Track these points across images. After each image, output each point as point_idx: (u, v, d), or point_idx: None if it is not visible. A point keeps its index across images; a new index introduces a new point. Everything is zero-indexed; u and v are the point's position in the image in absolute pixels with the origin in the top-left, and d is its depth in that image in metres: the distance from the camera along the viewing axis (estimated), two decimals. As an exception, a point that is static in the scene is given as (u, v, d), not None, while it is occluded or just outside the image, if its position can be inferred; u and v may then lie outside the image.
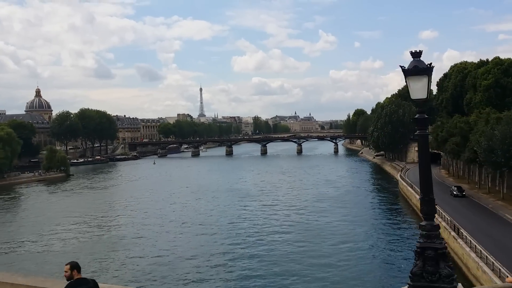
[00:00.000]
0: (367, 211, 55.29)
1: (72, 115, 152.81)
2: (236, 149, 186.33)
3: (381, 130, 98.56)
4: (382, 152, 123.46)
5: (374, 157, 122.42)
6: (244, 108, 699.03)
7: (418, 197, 49.20)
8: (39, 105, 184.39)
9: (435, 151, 75.02)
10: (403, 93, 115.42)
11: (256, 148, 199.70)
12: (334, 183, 79.45)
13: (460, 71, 74.81)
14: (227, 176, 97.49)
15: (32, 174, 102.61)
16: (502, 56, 69.43)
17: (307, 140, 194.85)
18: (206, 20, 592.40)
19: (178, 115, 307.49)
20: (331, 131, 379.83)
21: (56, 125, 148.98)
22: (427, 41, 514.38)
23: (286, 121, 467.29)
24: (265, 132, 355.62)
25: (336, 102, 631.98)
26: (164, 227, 49.73)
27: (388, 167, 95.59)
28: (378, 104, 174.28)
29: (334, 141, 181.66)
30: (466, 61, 78.99)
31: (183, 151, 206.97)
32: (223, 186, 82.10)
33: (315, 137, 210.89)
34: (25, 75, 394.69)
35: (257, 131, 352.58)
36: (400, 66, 6.81)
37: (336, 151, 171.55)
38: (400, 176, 69.12)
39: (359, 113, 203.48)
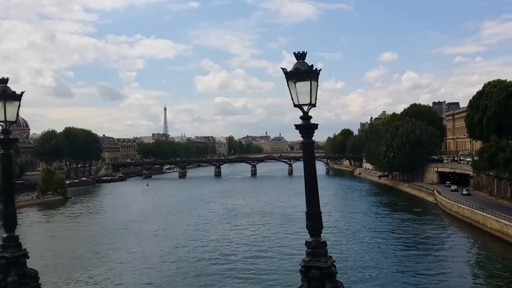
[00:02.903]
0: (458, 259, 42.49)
1: (56, 134, 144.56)
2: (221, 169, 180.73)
3: (397, 150, 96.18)
4: (385, 173, 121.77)
5: (379, 178, 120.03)
6: (207, 128, 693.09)
7: (501, 221, 46.48)
8: (17, 124, 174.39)
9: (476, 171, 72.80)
10: (411, 112, 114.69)
11: (242, 168, 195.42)
12: (375, 216, 67.67)
13: (503, 88, 73.37)
14: (251, 198, 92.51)
15: (30, 197, 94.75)
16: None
17: (298, 160, 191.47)
18: (170, 39, 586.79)
19: (153, 134, 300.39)
20: (300, 152, 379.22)
21: (40, 144, 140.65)
22: (387, 63, 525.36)
23: (258, 141, 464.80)
24: (239, 152, 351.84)
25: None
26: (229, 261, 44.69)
27: (408, 189, 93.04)
28: (371, 125, 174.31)
29: (325, 161, 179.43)
30: (506, 79, 77.83)
31: (165, 172, 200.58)
32: (261, 208, 77.09)
33: (299, 157, 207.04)
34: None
35: (232, 151, 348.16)
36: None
37: (328, 172, 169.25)
38: (452, 199, 65.17)
39: (346, 133, 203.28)
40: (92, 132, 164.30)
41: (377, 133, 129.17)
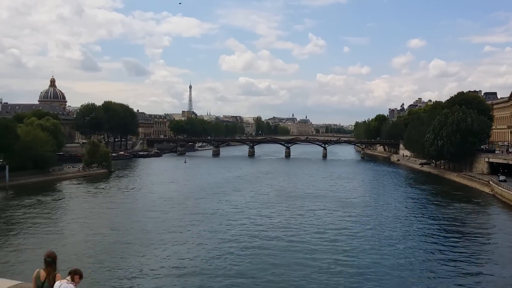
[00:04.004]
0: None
1: (96, 107, 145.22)
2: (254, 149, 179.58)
3: (447, 139, 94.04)
4: (427, 161, 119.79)
5: (422, 166, 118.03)
6: (230, 107, 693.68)
7: None
8: (54, 96, 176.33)
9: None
10: (459, 100, 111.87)
11: (273, 149, 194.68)
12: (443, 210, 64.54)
13: None
14: (296, 180, 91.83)
15: (77, 169, 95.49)
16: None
17: (332, 143, 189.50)
18: (196, 17, 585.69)
19: (183, 112, 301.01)
20: (329, 135, 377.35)
21: (80, 117, 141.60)
22: (414, 50, 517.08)
23: (284, 122, 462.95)
24: (266, 133, 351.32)
25: (322, 106, 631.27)
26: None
27: (457, 178, 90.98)
28: (411, 111, 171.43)
29: (357, 146, 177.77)
30: None
31: (197, 150, 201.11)
32: (311, 191, 76.27)
33: (333, 141, 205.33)
34: (9, 63, 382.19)
35: (259, 132, 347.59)
36: None
37: (363, 157, 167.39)
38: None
39: (381, 118, 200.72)
40: (130, 107, 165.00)
41: (419, 120, 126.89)
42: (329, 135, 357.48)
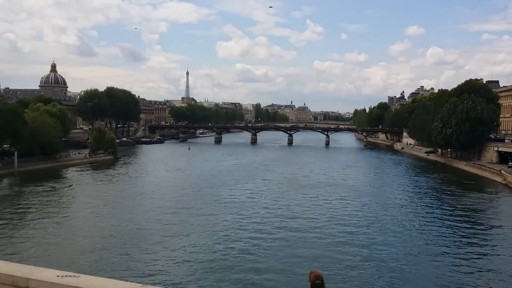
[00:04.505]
0: None
1: (98, 93, 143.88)
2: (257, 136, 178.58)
3: (456, 127, 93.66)
4: (433, 149, 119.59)
5: (428, 154, 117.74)
6: (227, 94, 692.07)
7: None
8: (55, 81, 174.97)
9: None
10: (466, 88, 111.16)
11: (275, 136, 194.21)
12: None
13: None
14: (305, 168, 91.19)
15: (83, 156, 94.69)
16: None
17: (334, 131, 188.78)
18: (193, 3, 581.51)
19: (183, 98, 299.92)
20: (329, 122, 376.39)
21: (83, 103, 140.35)
22: (412, 37, 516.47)
23: (283, 109, 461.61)
24: (265, 120, 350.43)
25: (319, 93, 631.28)
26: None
27: (466, 167, 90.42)
28: (415, 99, 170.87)
29: (364, 134, 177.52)
30: None
31: (198, 136, 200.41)
32: (323, 180, 75.82)
33: (336, 128, 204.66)
34: (5, 48, 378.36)
35: (259, 119, 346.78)
36: None
37: (366, 145, 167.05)
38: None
39: (383, 106, 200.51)
40: (132, 93, 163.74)
41: (424, 108, 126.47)
42: (329, 123, 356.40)
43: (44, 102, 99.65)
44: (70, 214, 47.71)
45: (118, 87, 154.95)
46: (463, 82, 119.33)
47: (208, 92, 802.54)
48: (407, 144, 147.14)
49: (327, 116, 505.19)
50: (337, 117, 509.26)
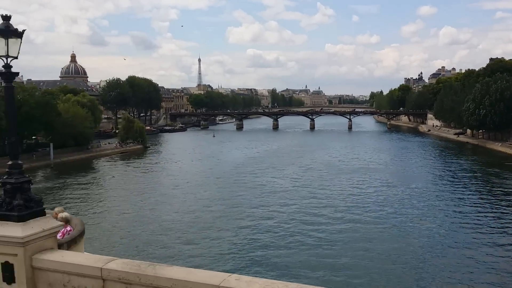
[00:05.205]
0: None
1: (121, 83, 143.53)
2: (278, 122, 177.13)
3: (490, 108, 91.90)
4: (460, 131, 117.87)
5: (458, 136, 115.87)
6: (238, 80, 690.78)
7: None
8: (75, 71, 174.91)
9: None
10: (497, 68, 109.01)
11: (295, 121, 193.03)
12: None
13: None
14: (336, 153, 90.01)
15: (114, 145, 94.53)
16: None
17: (356, 114, 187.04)
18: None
19: (199, 85, 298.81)
20: (344, 106, 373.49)
21: (106, 92, 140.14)
22: (424, 17, 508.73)
23: (298, 94, 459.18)
24: (281, 105, 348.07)
25: (330, 77, 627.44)
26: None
27: (503, 148, 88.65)
28: (440, 79, 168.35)
29: (387, 116, 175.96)
30: None
31: (218, 123, 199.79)
32: (358, 165, 74.80)
33: (357, 112, 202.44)
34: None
35: (275, 104, 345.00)
36: None
37: (389, 128, 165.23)
38: None
39: (405, 88, 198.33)
40: (153, 81, 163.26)
41: (452, 88, 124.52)
42: (344, 106, 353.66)
43: (69, 92, 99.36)
44: (120, 205, 47.40)
45: (125, 76, 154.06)
46: (492, 61, 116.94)
47: (220, 79, 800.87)
48: (433, 126, 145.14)
49: (341, 100, 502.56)
50: (352, 100, 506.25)
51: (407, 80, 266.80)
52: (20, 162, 7.27)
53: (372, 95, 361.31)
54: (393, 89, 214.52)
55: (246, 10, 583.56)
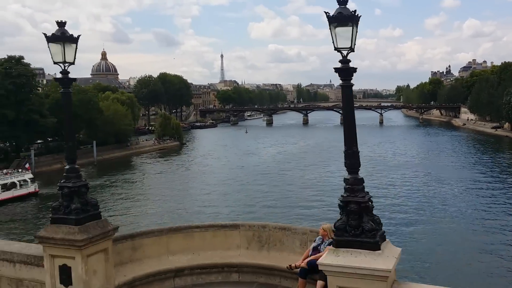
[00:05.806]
0: None
1: (153, 79, 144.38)
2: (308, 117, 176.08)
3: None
4: (497, 124, 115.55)
5: (495, 130, 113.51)
6: (260, 75, 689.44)
7: None
8: (106, 69, 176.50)
9: None
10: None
11: (323, 116, 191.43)
12: None
13: None
14: (378, 148, 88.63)
15: (152, 142, 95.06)
16: None
17: (388, 109, 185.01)
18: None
19: (225, 81, 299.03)
20: (370, 100, 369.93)
21: (138, 89, 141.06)
22: (448, 10, 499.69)
23: (322, 89, 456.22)
24: (306, 100, 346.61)
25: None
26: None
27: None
28: (474, 72, 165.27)
29: (419, 111, 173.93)
30: None
31: (247, 119, 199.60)
32: (405, 160, 73.79)
33: (388, 106, 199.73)
34: (42, 38, 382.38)
35: (300, 99, 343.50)
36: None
37: (421, 122, 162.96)
38: None
39: (436, 82, 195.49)
40: (184, 78, 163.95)
41: (488, 82, 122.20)
42: (370, 101, 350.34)
43: (102, 90, 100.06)
44: (173, 201, 47.59)
45: (171, 73, 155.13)
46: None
47: (242, 74, 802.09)
48: (468, 119, 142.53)
49: (366, 94, 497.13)
50: (376, 95, 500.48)
51: (434, 73, 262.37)
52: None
53: (398, 89, 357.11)
54: (423, 82, 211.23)
55: (268, 5, 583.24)
